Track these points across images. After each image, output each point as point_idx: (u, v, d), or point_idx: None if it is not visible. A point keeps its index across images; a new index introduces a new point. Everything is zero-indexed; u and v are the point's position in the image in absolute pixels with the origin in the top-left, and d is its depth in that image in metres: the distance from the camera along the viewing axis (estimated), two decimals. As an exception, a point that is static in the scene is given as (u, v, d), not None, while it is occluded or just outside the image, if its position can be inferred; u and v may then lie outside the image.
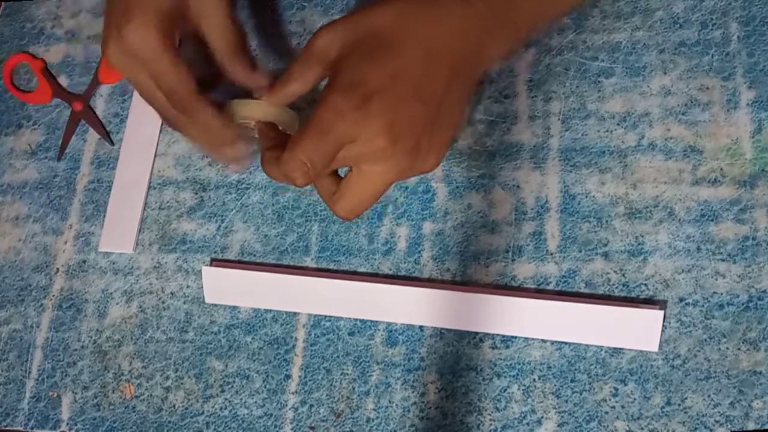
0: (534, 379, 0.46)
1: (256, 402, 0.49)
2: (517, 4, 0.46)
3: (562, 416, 0.45)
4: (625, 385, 0.45)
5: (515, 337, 0.47)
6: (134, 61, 0.45)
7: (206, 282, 0.52)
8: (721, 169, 0.47)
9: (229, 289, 0.52)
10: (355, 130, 0.41)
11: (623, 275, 0.47)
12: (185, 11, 0.47)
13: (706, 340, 0.45)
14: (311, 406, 0.49)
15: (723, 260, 0.46)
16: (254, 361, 0.50)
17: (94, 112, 0.60)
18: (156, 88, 0.46)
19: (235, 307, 0.52)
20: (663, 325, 0.45)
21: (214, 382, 0.51)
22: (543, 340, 0.47)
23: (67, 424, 0.52)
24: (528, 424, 0.45)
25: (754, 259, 0.45)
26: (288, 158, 0.42)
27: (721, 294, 0.45)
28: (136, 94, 0.59)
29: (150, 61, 0.45)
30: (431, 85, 0.43)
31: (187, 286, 0.53)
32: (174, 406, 0.51)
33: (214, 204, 0.55)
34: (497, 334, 0.47)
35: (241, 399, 0.50)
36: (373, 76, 0.42)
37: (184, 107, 0.46)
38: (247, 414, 0.49)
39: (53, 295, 0.55)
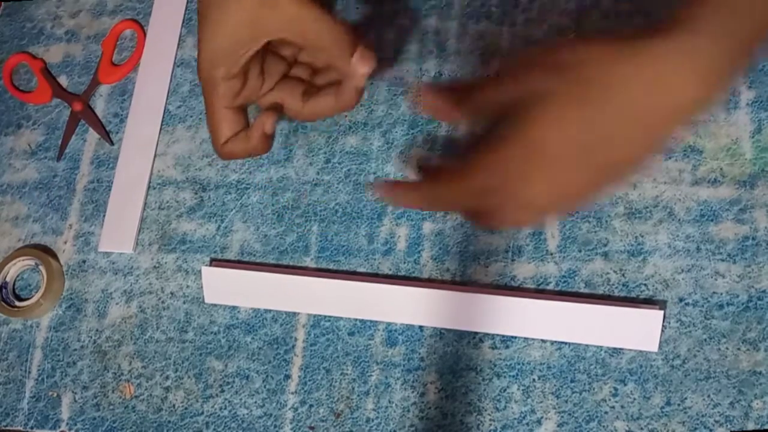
0: (534, 379, 0.46)
1: (255, 402, 0.49)
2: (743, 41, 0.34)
3: (562, 416, 0.45)
4: (625, 385, 0.45)
5: (515, 337, 0.47)
6: None
7: (206, 282, 0.52)
8: (721, 169, 0.47)
9: (229, 289, 0.52)
10: (514, 185, 0.36)
11: (623, 275, 0.47)
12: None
13: (705, 340, 0.45)
14: (311, 406, 0.49)
15: (723, 260, 0.46)
16: (254, 361, 0.50)
17: (94, 112, 0.60)
18: None
19: (234, 307, 0.52)
20: (663, 325, 0.45)
21: (214, 382, 0.51)
22: (543, 340, 0.47)
23: (67, 424, 0.52)
24: (528, 424, 0.45)
25: (754, 259, 0.45)
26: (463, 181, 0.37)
27: (721, 294, 0.45)
28: (135, 95, 0.59)
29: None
30: (618, 153, 0.35)
31: (187, 286, 0.53)
32: (174, 406, 0.51)
33: (213, 204, 0.55)
34: (497, 334, 0.47)
35: (241, 399, 0.50)
36: (558, 134, 0.34)
37: None
38: (247, 414, 0.49)
39: (53, 295, 0.55)
